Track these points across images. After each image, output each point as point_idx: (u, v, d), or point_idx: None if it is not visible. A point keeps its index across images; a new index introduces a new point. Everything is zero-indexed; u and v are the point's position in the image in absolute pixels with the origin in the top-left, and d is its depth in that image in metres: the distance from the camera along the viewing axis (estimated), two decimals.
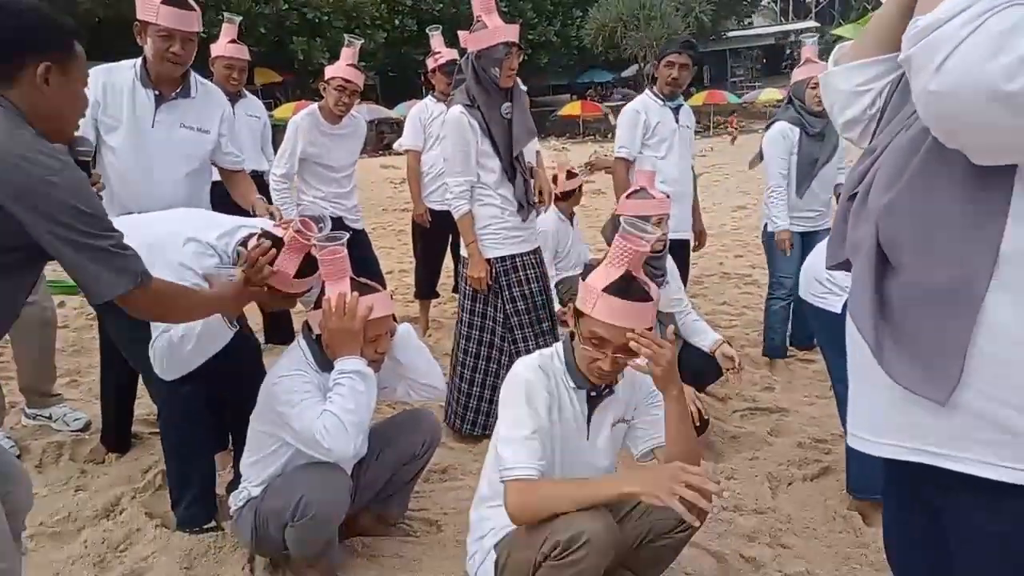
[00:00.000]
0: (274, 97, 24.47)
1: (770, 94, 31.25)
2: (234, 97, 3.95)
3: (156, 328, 2.12)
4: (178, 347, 2.10)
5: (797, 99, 3.87)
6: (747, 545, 2.36)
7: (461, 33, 3.03)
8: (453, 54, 4.31)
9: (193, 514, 2.41)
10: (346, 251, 2.03)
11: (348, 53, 3.82)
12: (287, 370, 2.07)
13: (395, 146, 4.57)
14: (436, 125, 4.27)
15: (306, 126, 3.86)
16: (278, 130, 4.45)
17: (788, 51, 45.01)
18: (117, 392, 2.98)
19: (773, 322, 4.07)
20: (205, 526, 2.40)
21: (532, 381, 1.85)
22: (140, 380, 2.95)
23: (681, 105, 3.97)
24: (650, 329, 1.78)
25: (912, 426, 1.10)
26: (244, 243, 2.13)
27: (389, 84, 33.26)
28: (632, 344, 1.72)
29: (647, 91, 3.97)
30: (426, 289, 4.83)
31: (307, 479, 2.01)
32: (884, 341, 1.09)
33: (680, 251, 3.79)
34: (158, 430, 3.05)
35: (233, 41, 3.99)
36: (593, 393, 1.92)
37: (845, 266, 1.20)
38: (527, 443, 1.75)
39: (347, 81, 3.79)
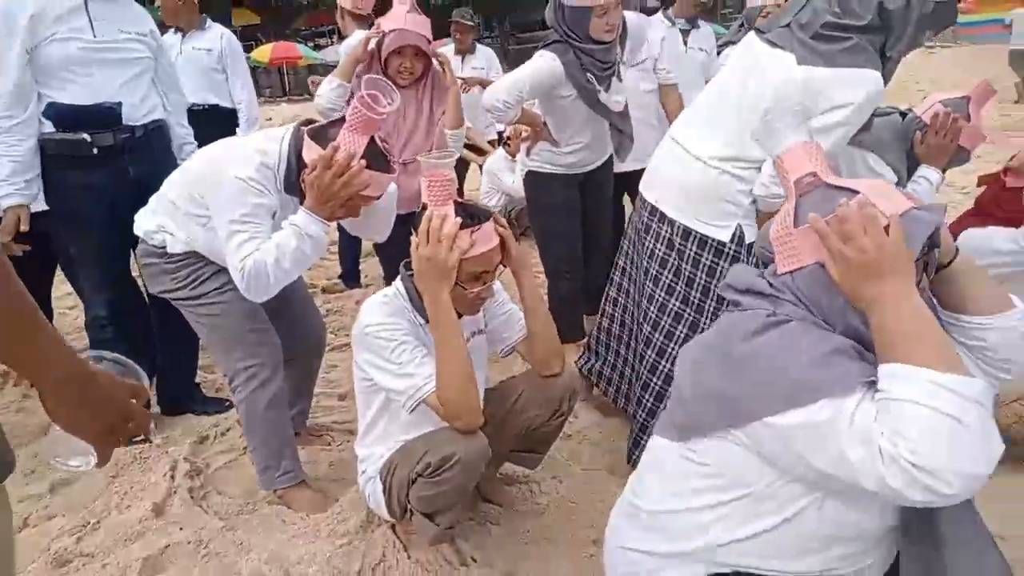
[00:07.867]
0: (255, 39, 23.19)
1: None
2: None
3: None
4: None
5: (748, 24, 3.80)
6: None
7: None
8: None
9: None
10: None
11: None
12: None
13: None
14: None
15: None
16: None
17: None
18: None
19: None
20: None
21: (390, 324, 1.77)
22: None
23: (696, 28, 3.65)
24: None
25: None
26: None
27: None
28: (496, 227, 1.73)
29: (660, 13, 3.67)
30: None
31: None
32: None
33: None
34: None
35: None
36: None
37: None
38: (422, 363, 1.72)
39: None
